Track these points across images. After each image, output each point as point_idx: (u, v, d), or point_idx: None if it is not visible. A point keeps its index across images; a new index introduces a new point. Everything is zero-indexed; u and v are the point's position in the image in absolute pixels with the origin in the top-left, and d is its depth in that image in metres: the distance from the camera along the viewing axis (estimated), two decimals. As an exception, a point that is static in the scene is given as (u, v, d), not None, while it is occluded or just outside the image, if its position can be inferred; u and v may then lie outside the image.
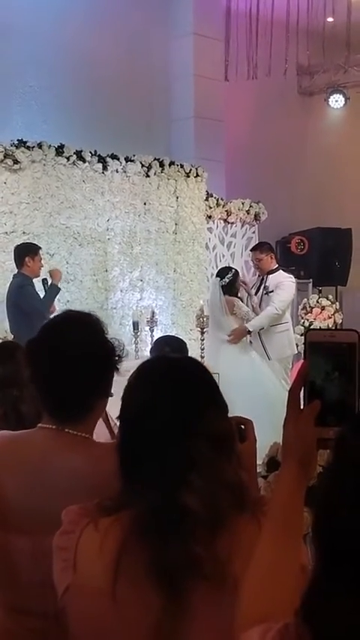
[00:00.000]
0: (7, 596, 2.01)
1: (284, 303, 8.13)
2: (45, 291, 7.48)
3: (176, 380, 1.62)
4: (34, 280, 7.53)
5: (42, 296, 7.44)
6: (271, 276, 8.20)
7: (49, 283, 7.54)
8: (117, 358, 2.08)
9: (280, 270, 8.37)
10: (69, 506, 1.63)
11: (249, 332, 7.90)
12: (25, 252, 7.47)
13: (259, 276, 8.38)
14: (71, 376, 1.97)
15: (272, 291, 8.09)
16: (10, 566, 1.96)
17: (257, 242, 9.36)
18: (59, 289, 7.65)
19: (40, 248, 7.62)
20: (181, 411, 1.56)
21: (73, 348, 1.99)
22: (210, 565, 1.45)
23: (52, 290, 7.54)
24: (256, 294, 8.26)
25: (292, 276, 8.59)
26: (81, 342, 2.01)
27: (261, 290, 8.24)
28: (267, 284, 8.20)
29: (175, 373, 1.65)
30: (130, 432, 1.61)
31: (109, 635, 1.52)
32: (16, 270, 7.54)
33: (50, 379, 2.00)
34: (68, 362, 1.98)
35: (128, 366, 6.69)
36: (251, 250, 8.61)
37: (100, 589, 1.49)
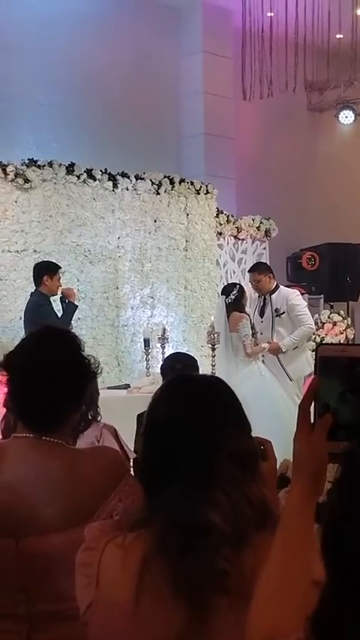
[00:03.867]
0: None
1: (310, 317, 8.27)
2: (63, 310, 7.49)
3: (201, 398, 1.64)
4: (53, 299, 7.57)
5: (60, 315, 7.45)
6: (273, 295, 8.14)
7: (66, 302, 7.56)
8: (92, 374, 2.19)
9: (281, 287, 8.32)
10: (91, 523, 1.65)
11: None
12: (44, 271, 7.48)
13: (259, 296, 8.30)
14: (46, 390, 2.05)
15: (283, 313, 8.05)
16: None
17: (255, 262, 9.17)
18: (76, 307, 7.68)
19: (59, 267, 7.62)
20: (206, 428, 1.58)
21: (49, 364, 2.08)
22: (234, 581, 1.44)
23: (70, 308, 7.54)
24: (261, 316, 8.19)
25: (295, 290, 8.61)
26: (57, 358, 2.10)
27: (267, 313, 8.17)
28: (274, 305, 8.13)
29: (200, 391, 1.66)
30: (153, 447, 1.62)
31: None
32: (32, 288, 7.58)
33: (26, 392, 2.08)
34: (44, 377, 2.06)
35: (140, 383, 6.70)
36: (249, 272, 8.49)
37: (122, 605, 1.49)
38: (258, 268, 8.35)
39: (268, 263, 10.75)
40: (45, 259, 7.99)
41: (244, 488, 1.53)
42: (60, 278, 7.59)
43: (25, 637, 1.98)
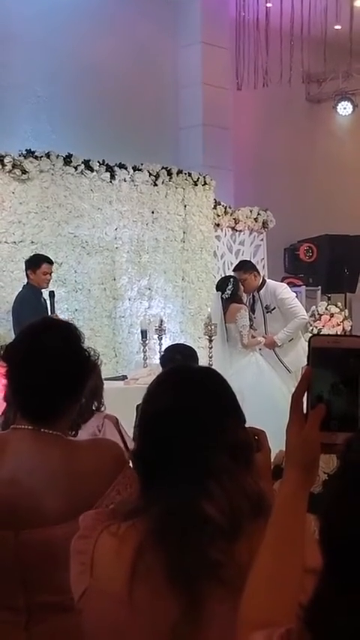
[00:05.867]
0: None
1: (302, 308, 8.26)
2: (50, 304, 7.50)
3: (196, 389, 1.64)
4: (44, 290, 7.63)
5: (47, 307, 7.49)
6: (261, 292, 8.12)
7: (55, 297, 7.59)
8: (92, 366, 2.21)
9: (268, 282, 8.29)
10: (86, 512, 1.66)
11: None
12: (27, 266, 7.63)
13: (247, 294, 8.24)
14: (46, 382, 2.05)
15: (274, 308, 8.05)
16: None
17: (239, 261, 9.07)
18: None
19: (44, 260, 7.65)
20: (201, 420, 1.58)
21: (49, 356, 2.07)
22: (228, 570, 1.45)
23: None
24: (253, 313, 8.17)
25: (282, 284, 8.61)
26: (57, 350, 2.08)
27: (258, 310, 8.16)
28: (264, 302, 8.10)
29: (194, 382, 1.67)
30: (148, 438, 1.62)
31: (124, 639, 1.52)
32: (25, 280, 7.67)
33: (25, 384, 2.08)
34: (44, 368, 2.05)
35: (137, 374, 6.70)
36: (233, 271, 8.43)
37: (116, 593, 1.50)
38: (242, 267, 8.29)
39: (265, 255, 10.78)
40: (42, 251, 8.02)
41: (240, 480, 1.54)
42: (47, 271, 7.63)
43: (23, 628, 1.99)
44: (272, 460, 2.56)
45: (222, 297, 7.88)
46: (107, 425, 4.21)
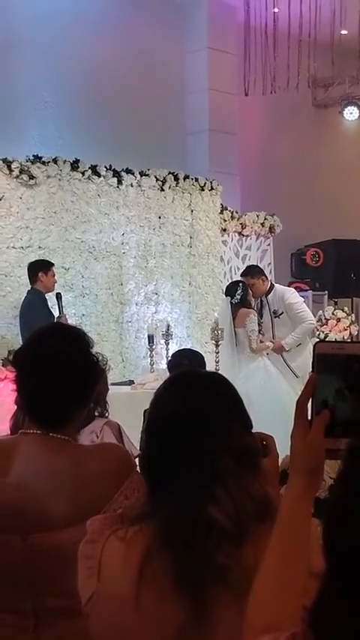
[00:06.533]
0: None
1: (309, 312, 8.25)
2: (58, 305, 7.56)
3: (204, 393, 1.64)
4: (49, 294, 7.69)
5: (55, 310, 7.53)
6: (269, 296, 8.12)
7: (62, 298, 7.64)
8: (100, 371, 2.20)
9: (276, 286, 8.29)
10: (94, 516, 1.66)
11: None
12: (38, 268, 7.65)
13: (255, 299, 8.22)
14: (54, 388, 2.05)
15: (282, 313, 8.04)
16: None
17: (247, 266, 9.03)
18: None
19: (52, 264, 7.73)
20: (208, 424, 1.59)
21: (57, 361, 2.07)
22: (234, 574, 1.46)
23: None
24: (260, 317, 8.16)
25: (290, 288, 8.60)
26: (65, 355, 2.08)
27: (266, 314, 8.15)
28: (272, 307, 8.10)
29: (202, 387, 1.67)
30: (155, 443, 1.63)
31: None
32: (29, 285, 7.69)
33: (34, 389, 2.08)
34: (52, 373, 2.06)
35: (143, 379, 6.67)
36: (241, 275, 8.41)
37: (123, 597, 1.50)
38: (250, 272, 8.26)
39: (272, 259, 10.78)
40: (49, 256, 8.07)
41: (246, 484, 1.54)
42: (55, 274, 7.72)
43: (31, 632, 1.99)
44: (280, 465, 2.56)
45: (231, 302, 7.87)
46: (105, 431, 4.20)
